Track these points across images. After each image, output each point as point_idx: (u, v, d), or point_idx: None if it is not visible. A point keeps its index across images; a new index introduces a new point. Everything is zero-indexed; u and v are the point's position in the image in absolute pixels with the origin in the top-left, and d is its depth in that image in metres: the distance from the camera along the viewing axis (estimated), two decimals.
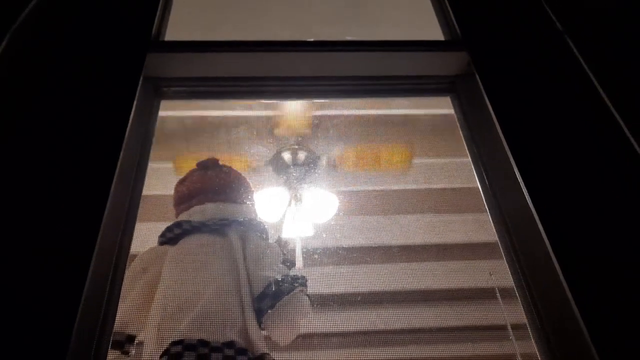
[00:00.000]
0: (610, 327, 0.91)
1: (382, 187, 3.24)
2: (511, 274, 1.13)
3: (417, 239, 3.48)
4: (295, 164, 2.92)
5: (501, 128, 1.20)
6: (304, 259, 2.44)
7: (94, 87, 1.26)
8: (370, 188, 3.21)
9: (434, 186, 3.26)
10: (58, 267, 0.96)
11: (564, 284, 0.96)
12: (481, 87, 1.29)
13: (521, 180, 1.12)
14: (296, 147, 2.88)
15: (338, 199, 3.14)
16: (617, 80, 1.93)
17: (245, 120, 2.24)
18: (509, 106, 1.25)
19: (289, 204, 2.83)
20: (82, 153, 1.13)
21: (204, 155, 1.83)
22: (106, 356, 1.00)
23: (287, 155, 2.91)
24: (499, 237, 1.18)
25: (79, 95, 1.25)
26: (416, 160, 3.14)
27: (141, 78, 1.30)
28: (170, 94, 1.41)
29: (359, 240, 3.38)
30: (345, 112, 2.27)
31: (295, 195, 2.90)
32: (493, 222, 1.20)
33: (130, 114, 1.22)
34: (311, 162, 2.94)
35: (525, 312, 1.06)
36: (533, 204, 1.08)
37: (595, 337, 0.89)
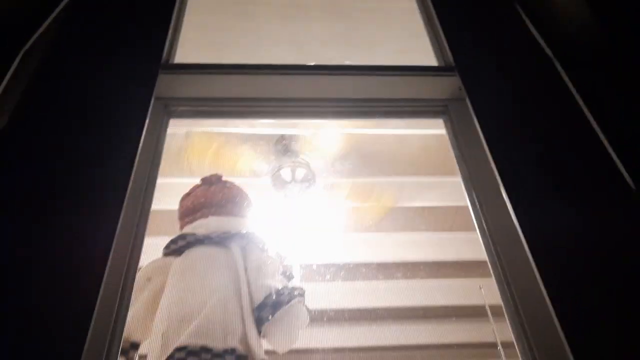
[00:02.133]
0: (592, 344, 0.98)
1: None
2: (499, 292, 1.18)
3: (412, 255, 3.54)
4: (294, 181, 2.99)
5: (489, 150, 1.28)
6: (302, 271, 2.51)
7: (109, 107, 1.34)
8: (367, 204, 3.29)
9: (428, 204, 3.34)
10: (75, 277, 1.03)
11: (548, 302, 1.03)
12: (471, 110, 1.37)
13: (507, 200, 1.20)
14: (295, 164, 2.96)
15: (334, 215, 3.22)
16: (604, 104, 2.01)
17: (247, 138, 2.33)
18: (497, 129, 1.34)
19: (288, 218, 2.90)
20: (98, 168, 1.20)
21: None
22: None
23: (286, 172, 2.99)
24: (488, 255, 1.23)
25: (94, 114, 1.33)
26: (412, 179, 3.21)
27: (152, 98, 1.38)
28: (179, 113, 1.49)
29: (355, 257, 3.44)
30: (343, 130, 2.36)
31: (294, 211, 2.97)
32: (482, 239, 1.26)
33: (142, 132, 1.30)
34: (310, 179, 3.01)
35: (512, 329, 1.11)
36: (518, 222, 1.16)
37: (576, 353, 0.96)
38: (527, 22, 2.27)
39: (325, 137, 2.75)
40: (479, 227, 1.28)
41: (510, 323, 1.12)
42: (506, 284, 1.16)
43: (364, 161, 2.97)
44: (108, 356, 1.03)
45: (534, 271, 1.09)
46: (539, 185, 1.25)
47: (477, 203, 1.30)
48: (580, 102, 2.08)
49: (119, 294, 1.11)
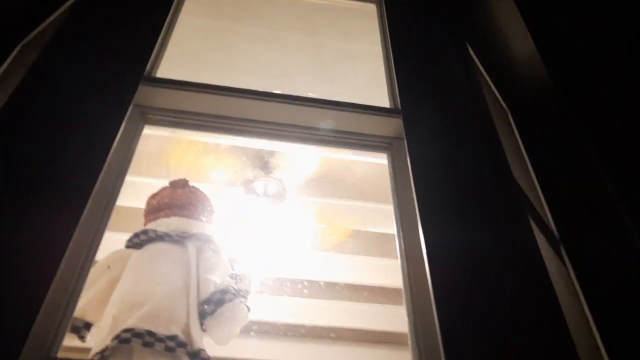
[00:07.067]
0: None
1: None
2: (407, 320, 1.32)
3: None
4: (265, 194, 3.14)
5: (414, 185, 1.47)
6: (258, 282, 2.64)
7: (92, 106, 1.52)
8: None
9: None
10: (36, 259, 1.18)
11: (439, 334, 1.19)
12: (406, 149, 1.57)
13: (422, 236, 1.37)
14: (269, 178, 3.11)
15: (299, 232, 3.37)
16: (546, 155, 2.21)
17: (226, 148, 2.49)
18: (426, 170, 1.52)
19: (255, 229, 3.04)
20: (74, 159, 1.38)
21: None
22: (64, 336, 1.21)
23: (259, 185, 3.14)
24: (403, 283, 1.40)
25: (79, 110, 1.50)
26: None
27: (131, 105, 1.56)
28: (154, 121, 1.68)
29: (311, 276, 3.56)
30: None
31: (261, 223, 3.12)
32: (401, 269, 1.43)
33: (118, 132, 1.48)
34: (281, 195, 3.16)
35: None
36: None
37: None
38: (486, 76, 2.49)
39: (300, 157, 2.92)
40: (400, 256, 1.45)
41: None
42: (413, 313, 1.32)
43: (334, 184, 3.13)
44: (57, 330, 1.19)
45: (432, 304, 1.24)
46: (450, 218, 1.42)
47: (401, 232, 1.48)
48: (523, 149, 2.28)
49: (74, 279, 1.27)
